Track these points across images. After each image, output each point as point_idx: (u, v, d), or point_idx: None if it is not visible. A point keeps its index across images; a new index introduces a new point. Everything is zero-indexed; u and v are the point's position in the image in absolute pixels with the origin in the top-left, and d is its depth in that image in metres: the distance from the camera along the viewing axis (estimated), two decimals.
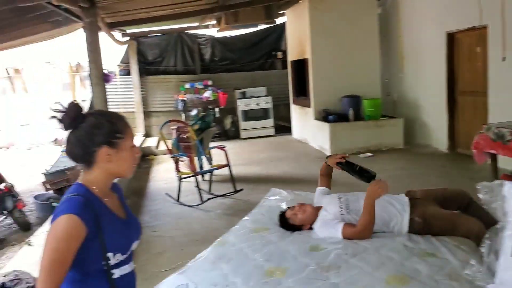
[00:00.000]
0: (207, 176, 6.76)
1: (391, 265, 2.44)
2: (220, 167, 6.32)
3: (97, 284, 1.57)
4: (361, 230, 2.79)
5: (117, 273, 1.60)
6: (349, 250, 2.67)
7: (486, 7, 6.31)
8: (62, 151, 8.57)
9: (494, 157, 5.23)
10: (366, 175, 2.96)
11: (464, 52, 7.33)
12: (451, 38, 7.50)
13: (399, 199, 3.06)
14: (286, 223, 3.16)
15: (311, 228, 3.08)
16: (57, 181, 6.16)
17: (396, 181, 6.11)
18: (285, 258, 2.65)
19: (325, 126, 8.44)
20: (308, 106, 9.35)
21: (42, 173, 6.39)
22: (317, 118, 8.95)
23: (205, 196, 6.03)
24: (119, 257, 1.59)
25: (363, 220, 2.79)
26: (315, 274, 2.42)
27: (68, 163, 6.78)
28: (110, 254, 1.56)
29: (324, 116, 8.70)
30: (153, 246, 4.54)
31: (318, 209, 3.15)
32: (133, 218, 1.74)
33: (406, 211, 2.96)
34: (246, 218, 3.51)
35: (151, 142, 10.37)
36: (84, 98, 12.05)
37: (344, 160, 3.18)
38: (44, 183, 6.23)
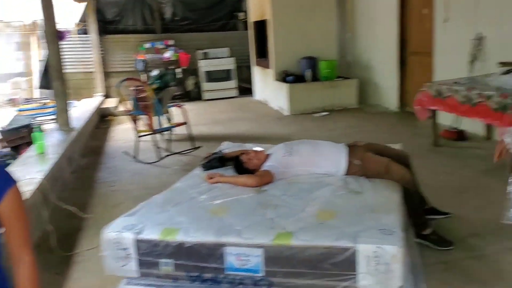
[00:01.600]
0: (167, 135, 6.89)
1: (322, 202, 2.70)
2: (178, 124, 6.46)
3: None
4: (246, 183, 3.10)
5: None
6: (287, 191, 2.92)
7: None
8: (17, 110, 8.53)
9: (434, 113, 5.59)
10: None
11: (414, 14, 7.58)
12: (403, 0, 7.73)
13: (337, 145, 3.34)
14: (240, 166, 3.36)
15: None
16: (13, 138, 6.19)
17: (347, 137, 6.35)
18: (229, 200, 2.87)
19: (284, 87, 8.65)
20: (269, 67, 9.51)
21: None
22: (277, 79, 9.14)
23: (163, 153, 6.19)
24: None
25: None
26: (254, 212, 2.66)
27: (24, 121, 6.80)
28: None
29: (284, 77, 8.90)
30: (110, 199, 4.71)
31: (268, 156, 3.40)
32: None
33: (343, 155, 3.22)
34: (196, 168, 3.71)
35: (110, 103, 10.34)
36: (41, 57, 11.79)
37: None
38: (0, 141, 6.26)
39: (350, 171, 3.17)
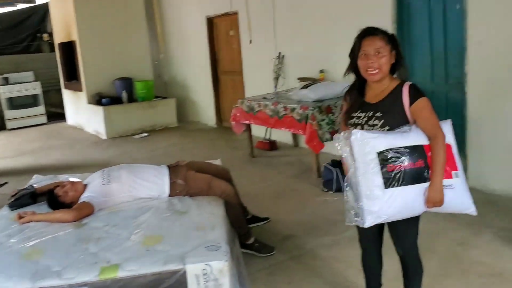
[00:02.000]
0: None
1: (148, 227, 2.66)
2: None
3: None
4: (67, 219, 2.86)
5: None
6: (110, 221, 2.80)
7: None
8: None
9: (249, 127, 5.98)
10: None
11: (222, 35, 8.05)
12: (211, 22, 8.14)
13: (157, 167, 3.32)
14: (54, 201, 3.09)
15: None
16: None
17: (169, 157, 6.47)
18: (44, 240, 2.62)
19: (99, 110, 8.31)
20: (80, 90, 9.03)
21: None
22: (90, 102, 8.73)
23: None
24: None
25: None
26: (74, 248, 2.48)
27: None
28: None
29: (98, 99, 8.56)
30: None
31: (86, 186, 3.20)
32: None
33: (165, 177, 3.22)
34: (2, 208, 3.32)
35: None
36: None
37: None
38: None
39: (174, 192, 3.19)
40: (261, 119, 5.51)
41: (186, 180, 3.24)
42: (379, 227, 2.33)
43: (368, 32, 2.13)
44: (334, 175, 4.48)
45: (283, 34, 6.41)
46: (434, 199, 2.04)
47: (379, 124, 2.11)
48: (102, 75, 8.67)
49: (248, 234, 3.37)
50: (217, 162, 4.01)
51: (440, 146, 2.04)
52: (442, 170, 2.04)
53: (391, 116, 2.10)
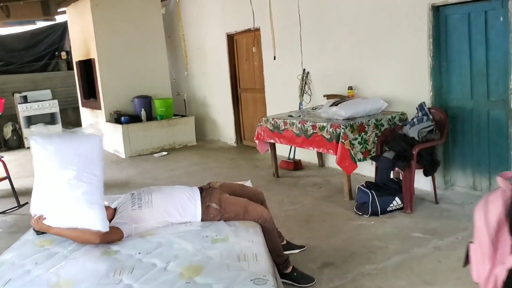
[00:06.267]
0: None
1: (185, 257, 2.46)
2: None
3: None
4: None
5: None
6: (142, 249, 2.61)
7: (257, 12, 6.90)
8: None
9: (273, 146, 5.80)
10: None
11: (243, 52, 7.92)
12: (231, 39, 8.03)
13: (189, 190, 3.13)
14: None
15: None
16: None
17: (191, 176, 6.33)
18: (73, 268, 2.45)
19: (118, 128, 8.21)
20: (99, 108, 8.96)
21: None
22: (109, 121, 8.64)
23: None
24: None
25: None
26: (107, 280, 2.30)
27: None
28: None
29: (116, 118, 8.46)
30: None
31: (115, 210, 3.03)
32: None
33: (198, 200, 3.03)
34: (28, 232, 3.16)
35: None
36: None
37: None
38: None
39: (207, 217, 3.00)
40: (287, 138, 5.34)
41: (221, 204, 3.05)
42: None
43: None
44: (370, 198, 4.26)
45: (309, 50, 6.23)
46: None
47: None
48: (120, 93, 8.59)
49: (287, 263, 3.15)
50: (248, 183, 3.82)
51: None
52: None
53: None
